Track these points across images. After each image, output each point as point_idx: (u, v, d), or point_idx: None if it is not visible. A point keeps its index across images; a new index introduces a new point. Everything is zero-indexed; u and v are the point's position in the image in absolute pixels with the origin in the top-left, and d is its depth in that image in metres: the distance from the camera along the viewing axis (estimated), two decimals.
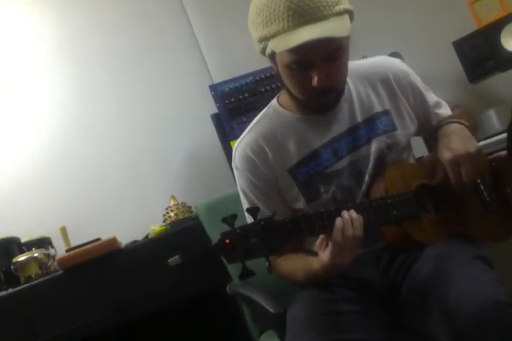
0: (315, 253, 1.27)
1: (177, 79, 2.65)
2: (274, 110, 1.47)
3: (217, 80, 2.53)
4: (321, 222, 1.16)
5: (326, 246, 1.20)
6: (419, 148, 1.74)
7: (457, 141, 1.36)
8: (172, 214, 2.18)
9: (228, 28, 2.65)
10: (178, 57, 2.68)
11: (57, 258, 2.00)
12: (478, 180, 1.41)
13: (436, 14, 2.68)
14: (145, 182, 2.55)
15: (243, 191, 1.46)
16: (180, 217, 2.16)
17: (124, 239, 2.14)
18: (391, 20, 2.68)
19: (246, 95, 2.29)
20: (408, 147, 1.49)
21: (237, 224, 1.07)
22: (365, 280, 1.36)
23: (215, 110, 2.33)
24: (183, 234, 2.07)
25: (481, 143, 1.87)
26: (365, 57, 2.00)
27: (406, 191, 1.31)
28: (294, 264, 1.38)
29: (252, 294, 1.57)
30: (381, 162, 1.40)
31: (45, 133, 2.51)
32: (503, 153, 1.50)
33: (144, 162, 2.57)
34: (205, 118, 2.41)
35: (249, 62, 2.03)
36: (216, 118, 2.33)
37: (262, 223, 1.07)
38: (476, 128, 1.48)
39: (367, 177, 1.38)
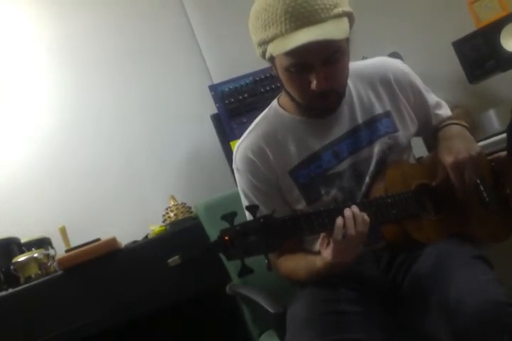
0: (315, 254, 1.27)
1: (177, 80, 2.65)
2: (275, 111, 1.47)
3: (217, 80, 2.53)
4: (321, 220, 1.16)
5: (328, 244, 1.20)
6: (419, 148, 1.74)
7: (459, 145, 1.36)
8: (172, 214, 2.17)
9: (228, 28, 2.65)
10: (178, 58, 2.68)
11: (56, 258, 2.00)
12: (478, 181, 1.41)
13: (436, 14, 2.68)
14: (145, 183, 2.55)
15: (244, 192, 1.46)
16: (180, 217, 2.16)
17: (124, 239, 2.14)
18: (391, 20, 2.67)
19: (246, 95, 2.29)
20: (409, 147, 1.50)
21: (237, 223, 1.07)
22: (366, 280, 1.36)
23: (215, 110, 2.33)
24: (182, 234, 2.06)
25: (481, 143, 1.87)
26: (364, 57, 2.00)
27: (405, 191, 1.32)
28: (295, 263, 1.39)
29: (251, 294, 1.57)
30: (382, 163, 1.40)
31: (45, 133, 2.51)
32: (503, 153, 1.51)
33: (144, 162, 2.57)
34: (204, 118, 2.42)
35: (249, 62, 2.03)
36: (216, 119, 2.33)
37: (261, 220, 1.07)
38: (475, 128, 1.49)
39: (367, 179, 1.38)
